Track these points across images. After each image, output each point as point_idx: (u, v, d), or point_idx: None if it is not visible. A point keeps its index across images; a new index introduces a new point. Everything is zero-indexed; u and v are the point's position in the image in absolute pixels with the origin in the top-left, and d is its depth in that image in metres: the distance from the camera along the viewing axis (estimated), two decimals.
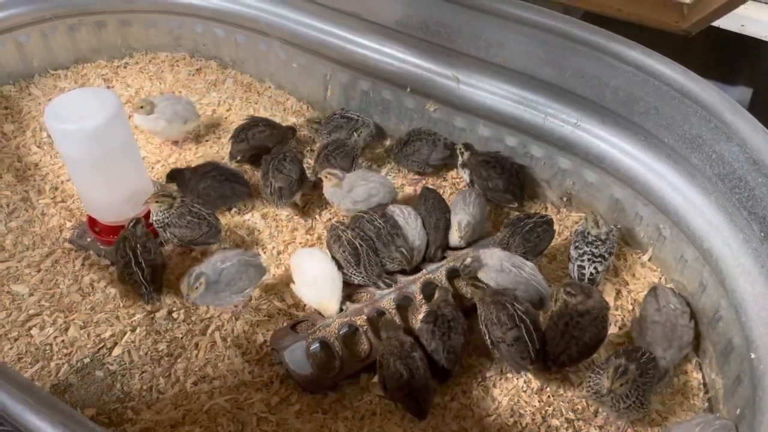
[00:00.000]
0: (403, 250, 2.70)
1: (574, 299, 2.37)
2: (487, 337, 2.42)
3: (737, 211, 2.40)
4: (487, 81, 3.08)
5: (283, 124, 3.38)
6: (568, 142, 2.96)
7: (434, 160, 3.24)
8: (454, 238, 2.83)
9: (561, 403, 2.45)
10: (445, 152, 3.25)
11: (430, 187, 3.15)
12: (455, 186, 3.29)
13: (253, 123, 3.28)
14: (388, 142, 3.52)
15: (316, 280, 2.62)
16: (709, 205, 2.55)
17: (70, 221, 3.00)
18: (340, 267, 2.66)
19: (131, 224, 2.69)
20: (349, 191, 2.91)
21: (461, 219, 2.80)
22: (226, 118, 3.64)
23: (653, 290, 2.64)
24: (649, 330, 2.48)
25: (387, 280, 2.70)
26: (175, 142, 3.44)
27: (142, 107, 3.20)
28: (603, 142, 2.87)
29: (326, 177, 2.92)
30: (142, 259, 2.62)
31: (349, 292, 2.73)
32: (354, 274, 2.66)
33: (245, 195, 3.11)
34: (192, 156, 3.39)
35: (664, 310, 2.51)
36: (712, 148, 2.48)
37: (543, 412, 2.42)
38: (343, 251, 2.65)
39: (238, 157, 3.26)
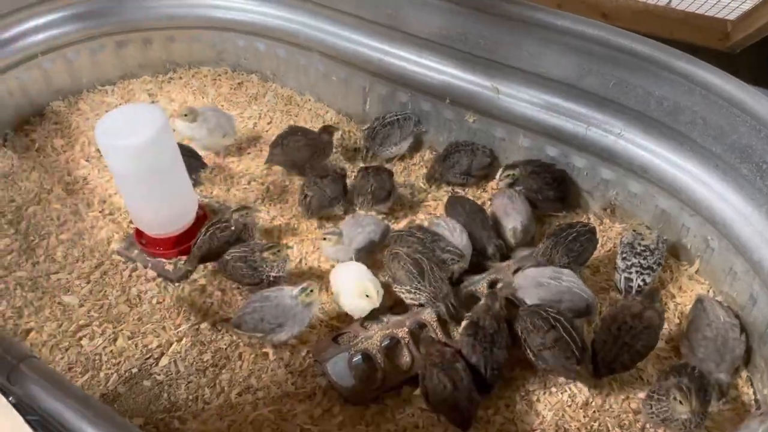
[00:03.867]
0: (451, 248, 2.69)
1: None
2: (528, 351, 2.40)
3: None
4: (527, 91, 3.07)
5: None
6: (611, 152, 2.92)
7: (476, 170, 3.24)
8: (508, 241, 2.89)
9: (607, 417, 2.41)
10: (485, 160, 3.25)
11: (458, 195, 3.18)
12: None
13: (291, 132, 3.32)
14: (427, 155, 3.53)
15: (350, 274, 2.67)
16: (759, 216, 2.49)
17: (118, 233, 3.08)
18: (401, 283, 2.62)
19: (235, 209, 2.87)
20: (350, 244, 2.85)
21: (515, 225, 2.84)
22: (267, 131, 3.69)
23: (699, 303, 2.58)
24: (701, 346, 2.43)
25: (452, 304, 2.57)
26: (217, 154, 3.51)
27: (186, 115, 3.27)
28: (647, 152, 2.83)
29: (325, 239, 2.82)
30: (214, 229, 2.79)
31: (390, 303, 2.74)
32: (418, 289, 2.57)
33: (198, 168, 3.24)
34: (235, 168, 3.45)
35: (714, 324, 2.45)
36: (762, 159, 2.42)
37: (589, 427, 2.38)
38: (404, 264, 2.60)
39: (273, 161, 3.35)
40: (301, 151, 3.25)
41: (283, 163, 3.33)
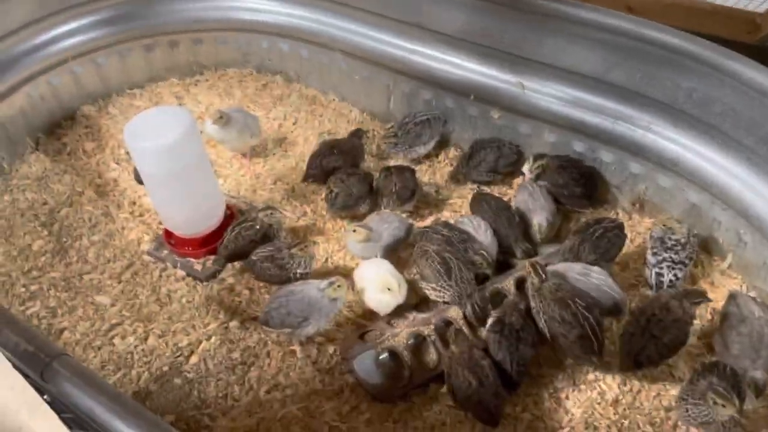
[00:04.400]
0: (484, 253, 2.68)
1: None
2: (546, 332, 2.38)
3: None
4: (553, 86, 3.04)
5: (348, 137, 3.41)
6: (640, 146, 2.88)
7: (503, 167, 3.21)
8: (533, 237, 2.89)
9: (638, 415, 2.37)
10: (513, 157, 3.23)
11: (483, 192, 3.16)
12: None
13: (326, 151, 3.28)
14: (452, 152, 3.52)
15: (372, 270, 2.67)
16: None
17: (148, 234, 3.13)
18: (427, 280, 2.60)
19: (261, 209, 2.90)
20: (376, 241, 2.83)
21: (540, 220, 2.83)
22: (292, 131, 3.72)
23: (732, 298, 2.52)
24: (735, 343, 2.37)
25: (478, 305, 2.54)
26: (244, 155, 3.54)
27: (221, 117, 3.27)
28: (676, 145, 2.78)
29: (355, 231, 2.79)
30: (239, 229, 2.83)
31: (416, 301, 2.73)
32: (444, 287, 2.55)
33: None
34: (261, 169, 3.48)
35: (748, 320, 2.39)
36: None
37: (619, 425, 2.35)
38: (431, 262, 2.58)
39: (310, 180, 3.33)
40: (341, 165, 3.23)
41: (321, 178, 3.28)
